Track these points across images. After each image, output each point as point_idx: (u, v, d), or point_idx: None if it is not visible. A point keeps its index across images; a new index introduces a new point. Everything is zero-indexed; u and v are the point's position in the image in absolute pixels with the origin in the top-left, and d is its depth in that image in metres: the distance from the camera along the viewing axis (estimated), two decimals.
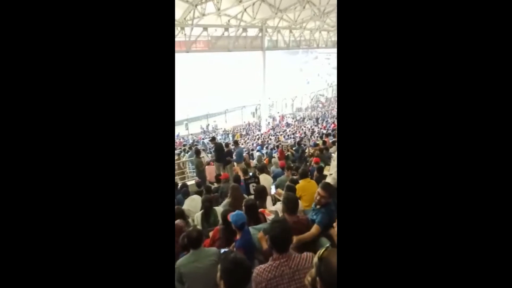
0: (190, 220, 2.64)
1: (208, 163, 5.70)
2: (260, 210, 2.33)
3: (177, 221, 2.30)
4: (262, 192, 2.64)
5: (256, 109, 20.36)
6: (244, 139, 12.60)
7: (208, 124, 18.85)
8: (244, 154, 6.30)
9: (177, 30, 10.18)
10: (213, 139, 7.40)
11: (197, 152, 5.63)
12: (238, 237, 1.79)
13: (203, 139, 13.49)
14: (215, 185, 4.24)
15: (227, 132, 16.38)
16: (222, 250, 1.66)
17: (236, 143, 7.03)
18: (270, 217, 2.22)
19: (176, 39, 10.35)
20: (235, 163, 5.63)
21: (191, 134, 17.11)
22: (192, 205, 3.03)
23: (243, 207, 2.15)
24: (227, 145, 6.05)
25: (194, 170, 6.63)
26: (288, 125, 17.28)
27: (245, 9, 11.05)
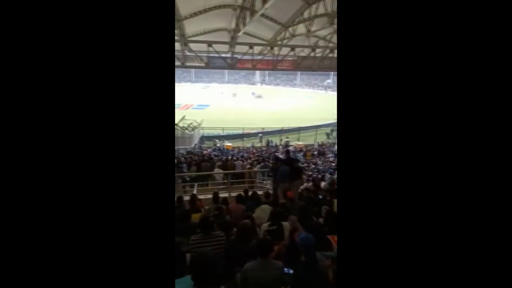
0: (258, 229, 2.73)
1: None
2: (329, 236, 2.20)
3: (246, 221, 2.42)
4: (334, 217, 2.50)
5: (331, 131, 19.59)
6: (315, 159, 12.23)
7: (281, 139, 19.19)
8: (314, 175, 6.09)
9: (266, 49, 10.98)
10: (287, 152, 7.46)
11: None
12: (303, 258, 1.74)
13: (274, 152, 13.80)
14: (283, 200, 4.25)
15: (299, 150, 16.25)
16: (286, 270, 1.65)
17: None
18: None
19: (265, 57, 11.15)
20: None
21: (263, 147, 17.76)
22: (261, 214, 3.12)
23: (310, 229, 2.08)
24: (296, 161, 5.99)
25: (263, 181, 6.83)
26: None
27: (335, 31, 11.02)
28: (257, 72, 48.40)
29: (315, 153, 14.67)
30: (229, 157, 9.82)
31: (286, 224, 2.59)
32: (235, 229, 2.52)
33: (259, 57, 11.32)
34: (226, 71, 50.16)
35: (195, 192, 5.56)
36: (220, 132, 19.95)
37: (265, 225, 2.68)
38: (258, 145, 18.15)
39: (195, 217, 3.07)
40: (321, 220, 2.74)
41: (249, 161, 9.27)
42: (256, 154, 11.15)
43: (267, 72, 45.10)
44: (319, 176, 7.13)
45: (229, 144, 16.72)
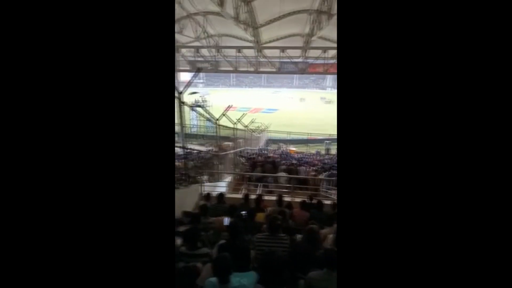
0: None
1: None
2: None
3: (313, 226, 2.35)
4: None
5: None
6: None
7: None
8: None
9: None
10: None
11: None
12: None
13: None
14: None
15: None
16: None
17: None
18: None
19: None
20: None
21: (328, 154, 16.93)
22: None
23: None
24: None
25: (328, 190, 6.52)
26: None
27: None
28: (328, 76, 46.63)
29: None
30: (293, 162, 9.76)
31: None
32: (298, 235, 2.49)
33: (332, 61, 10.89)
34: (295, 76, 50.23)
35: (259, 192, 5.75)
36: (286, 136, 20.04)
37: (331, 236, 2.56)
38: (323, 152, 17.43)
39: (259, 216, 3.18)
40: None
41: (313, 168, 9.00)
42: (321, 161, 10.72)
43: None
44: None
45: (293, 148, 16.61)
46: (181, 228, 2.61)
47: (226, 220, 2.84)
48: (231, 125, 8.58)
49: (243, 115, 9.65)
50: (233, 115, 8.47)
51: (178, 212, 3.60)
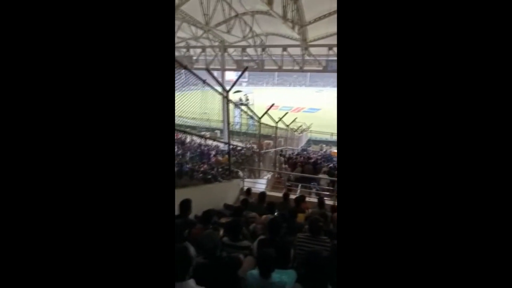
0: None
1: None
2: None
3: None
4: None
5: None
6: None
7: None
8: None
9: None
10: None
11: None
12: None
13: None
14: None
15: None
16: None
17: None
18: None
19: None
20: None
21: None
22: None
23: None
24: None
25: None
26: None
27: None
28: None
29: None
30: (336, 164, 9.34)
31: None
32: None
33: None
34: None
35: (298, 192, 5.67)
36: (328, 137, 19.30)
37: None
38: None
39: (300, 217, 3.13)
40: None
41: None
42: None
43: None
44: None
45: (336, 151, 15.91)
46: (223, 220, 2.74)
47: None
48: (273, 124, 8.61)
49: (285, 114, 9.59)
50: (275, 114, 8.48)
51: (220, 204, 3.77)
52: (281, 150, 9.90)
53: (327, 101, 34.89)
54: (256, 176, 6.69)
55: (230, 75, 15.46)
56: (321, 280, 1.20)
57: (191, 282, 1.26)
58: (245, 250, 1.91)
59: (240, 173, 5.75)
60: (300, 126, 14.91)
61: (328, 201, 4.69)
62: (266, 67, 13.54)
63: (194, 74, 4.01)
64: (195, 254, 1.34)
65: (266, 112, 6.87)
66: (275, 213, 3.07)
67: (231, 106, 5.59)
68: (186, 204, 2.60)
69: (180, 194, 2.74)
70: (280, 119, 8.98)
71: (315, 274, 1.21)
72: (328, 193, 5.86)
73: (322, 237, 2.11)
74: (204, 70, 4.29)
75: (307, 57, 11.74)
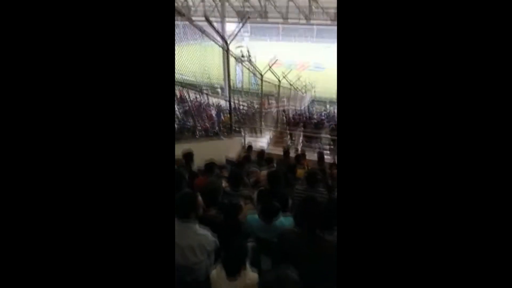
0: None
1: None
2: None
3: None
4: None
5: None
6: None
7: None
8: None
9: None
10: None
11: None
12: None
13: None
14: None
15: None
16: None
17: None
18: None
19: None
20: None
21: None
22: None
23: None
24: None
25: None
26: None
27: None
28: None
29: None
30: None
31: None
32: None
33: None
34: None
35: (300, 150, 5.77)
36: (334, 97, 18.86)
37: None
38: None
39: (299, 172, 3.24)
40: None
41: None
42: None
43: None
44: None
45: None
46: (225, 173, 2.84)
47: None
48: (276, 81, 8.34)
49: (289, 71, 9.21)
50: (279, 70, 8.14)
51: (222, 159, 3.88)
52: (284, 109, 9.79)
53: (333, 58, 33.15)
54: (258, 135, 6.74)
55: (231, 27, 14.47)
56: (315, 224, 1.28)
57: (195, 224, 1.36)
58: (246, 199, 2.01)
59: (242, 131, 5.79)
60: (305, 85, 14.46)
61: (329, 160, 4.80)
62: (269, 19, 12.55)
63: (193, 24, 3.75)
64: (201, 200, 1.41)
65: (269, 68, 6.60)
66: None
67: (232, 61, 5.34)
68: (189, 155, 2.67)
69: (182, 149, 2.80)
70: (284, 76, 8.66)
71: (310, 218, 1.29)
72: (328, 151, 5.96)
73: (320, 189, 2.20)
74: (203, 21, 3.98)
75: (314, 8, 10.79)
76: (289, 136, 6.91)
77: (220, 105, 6.03)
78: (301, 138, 6.63)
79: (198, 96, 5.16)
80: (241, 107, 7.38)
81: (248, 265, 1.14)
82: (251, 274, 1.11)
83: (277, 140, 7.07)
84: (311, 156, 4.75)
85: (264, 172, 2.92)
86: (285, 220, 1.64)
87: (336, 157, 4.88)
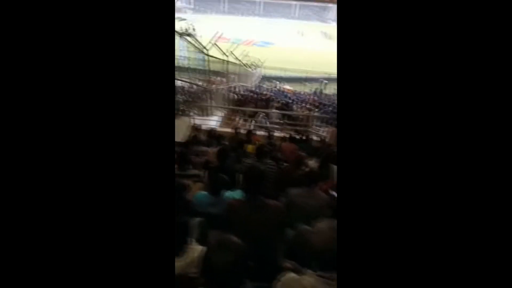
0: None
1: None
2: None
3: (301, 153, 2.50)
4: None
5: None
6: None
7: None
8: None
9: None
10: None
11: None
12: None
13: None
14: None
15: None
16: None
17: None
18: None
19: None
20: None
21: (325, 94, 16.67)
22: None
23: None
24: None
25: (319, 127, 6.67)
26: None
27: None
28: (331, 7, 42.02)
29: None
30: (288, 100, 9.65)
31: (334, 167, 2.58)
32: (285, 164, 2.64)
33: None
34: (297, 4, 44.99)
35: (252, 127, 5.84)
36: (282, 74, 19.24)
37: (311, 162, 2.74)
38: (327, 92, 17.08)
39: (249, 148, 3.30)
40: None
41: (307, 106, 8.99)
42: (317, 101, 10.63)
43: None
44: None
45: (289, 87, 16.18)
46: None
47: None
48: (223, 58, 8.06)
49: (236, 47, 8.96)
50: (225, 47, 7.85)
51: None
52: (233, 87, 9.63)
53: (281, 34, 33.35)
54: (207, 114, 6.55)
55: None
56: (259, 191, 1.33)
57: None
58: (195, 178, 1.98)
59: (190, 111, 5.55)
60: (253, 62, 14.34)
61: (278, 135, 4.98)
62: None
63: None
64: None
65: (214, 43, 6.30)
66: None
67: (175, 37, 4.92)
68: None
69: None
70: (231, 52, 8.41)
71: (254, 186, 1.33)
72: (278, 126, 6.17)
73: (268, 161, 2.29)
74: None
75: None
76: (240, 115, 6.90)
77: None
78: (253, 116, 6.69)
79: None
80: (188, 86, 7.00)
81: (194, 241, 1.14)
82: (199, 249, 1.11)
83: (228, 119, 7.00)
84: (263, 133, 4.87)
85: (214, 150, 2.89)
86: (234, 194, 1.68)
87: (284, 134, 5.10)
